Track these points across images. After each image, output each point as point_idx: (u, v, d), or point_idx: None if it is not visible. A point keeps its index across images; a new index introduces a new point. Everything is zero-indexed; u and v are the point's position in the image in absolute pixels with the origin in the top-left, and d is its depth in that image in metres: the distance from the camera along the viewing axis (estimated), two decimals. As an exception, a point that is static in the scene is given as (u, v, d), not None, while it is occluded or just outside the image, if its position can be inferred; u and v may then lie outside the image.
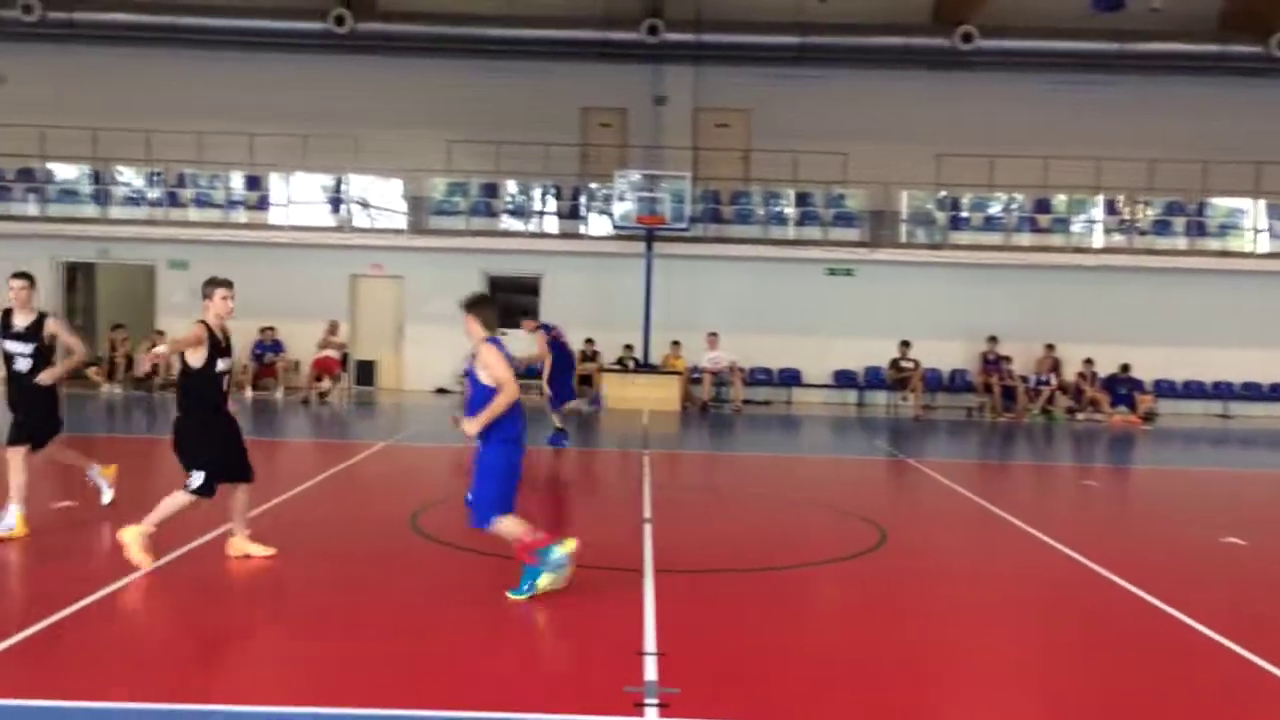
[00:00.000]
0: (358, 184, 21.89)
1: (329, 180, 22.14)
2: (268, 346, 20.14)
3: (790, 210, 22.19)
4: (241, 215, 21.77)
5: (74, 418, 16.68)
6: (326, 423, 17.25)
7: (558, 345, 13.66)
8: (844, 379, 21.73)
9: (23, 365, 8.06)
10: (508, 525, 6.59)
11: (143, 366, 9.93)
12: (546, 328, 13.77)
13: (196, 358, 7.11)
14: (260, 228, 21.34)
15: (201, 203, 21.80)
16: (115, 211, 21.57)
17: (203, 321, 7.23)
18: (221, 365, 7.24)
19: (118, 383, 19.72)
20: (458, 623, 6.31)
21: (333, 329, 20.22)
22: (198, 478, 7.05)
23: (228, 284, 7.29)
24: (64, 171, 22.09)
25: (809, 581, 7.66)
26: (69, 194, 21.87)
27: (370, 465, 12.54)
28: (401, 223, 21.94)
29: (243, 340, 20.29)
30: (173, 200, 21.62)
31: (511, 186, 22.43)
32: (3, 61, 22.27)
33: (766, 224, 22.07)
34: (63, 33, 21.67)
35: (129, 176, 22.22)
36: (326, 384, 19.72)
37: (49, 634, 5.73)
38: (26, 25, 21.26)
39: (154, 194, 21.79)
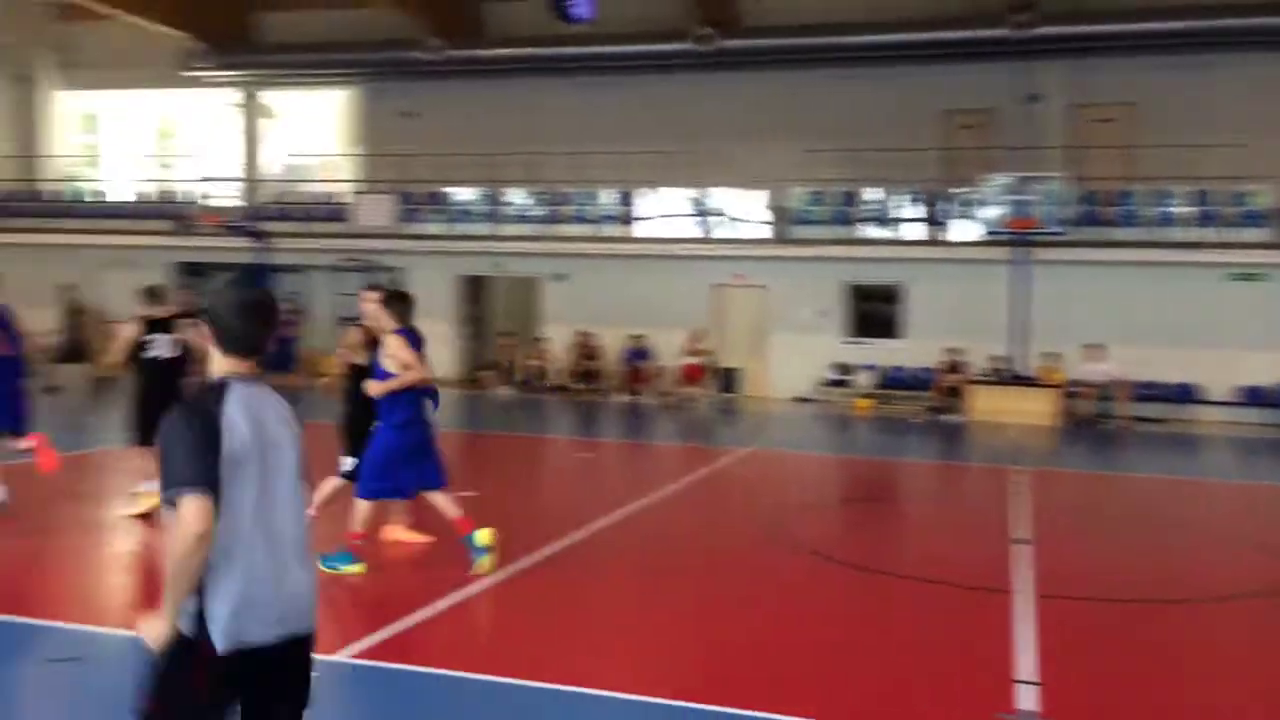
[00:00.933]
0: (720, 196, 22.53)
1: (693, 193, 22.95)
2: (637, 353, 21.22)
3: (1183, 210, 20.21)
4: (613, 229, 23.06)
5: (469, 417, 18.47)
6: (691, 428, 17.89)
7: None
8: (1255, 396, 19.42)
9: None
10: (362, 509, 7.25)
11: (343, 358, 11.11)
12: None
13: (361, 359, 7.88)
14: (629, 241, 22.51)
15: (579, 218, 23.34)
16: (506, 229, 23.58)
17: (363, 325, 8.01)
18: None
19: (506, 385, 21.52)
20: (816, 634, 6.33)
21: (697, 336, 20.94)
22: (348, 463, 7.81)
23: (371, 286, 8.14)
24: (463, 194, 24.45)
25: (1209, 619, 6.96)
26: (467, 214, 24.16)
27: (733, 470, 12.85)
28: (764, 233, 22.32)
29: (614, 346, 21.54)
30: (554, 217, 23.32)
31: (872, 193, 22.16)
32: (415, 98, 25.05)
33: (1154, 225, 20.24)
34: (464, 69, 24.02)
35: (517, 197, 24.21)
36: (692, 390, 20.46)
37: (452, 611, 6.36)
38: (435, 64, 23.79)
39: (538, 212, 23.62)
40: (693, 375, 20.59)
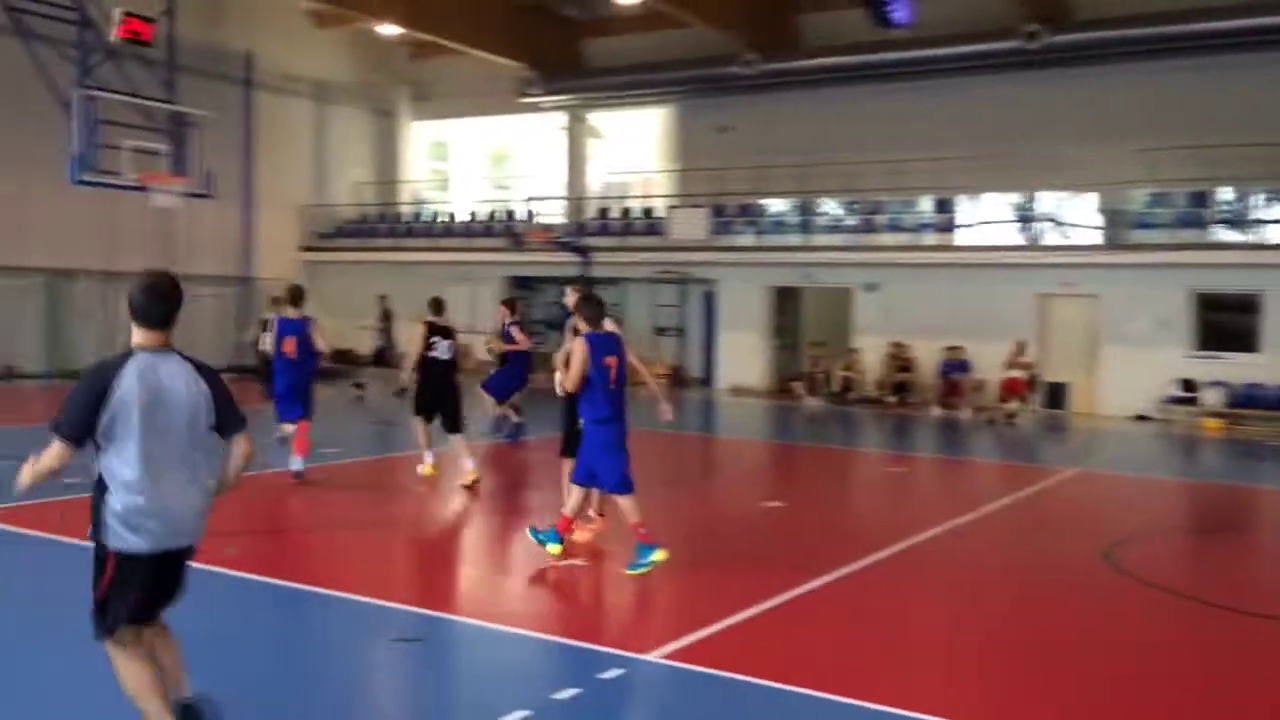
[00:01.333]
0: (1047, 200, 21.26)
1: (1018, 198, 21.82)
2: (954, 365, 20.40)
3: None
4: (930, 238, 22.34)
5: (779, 428, 18.49)
6: (1012, 444, 16.97)
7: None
8: None
9: None
10: (573, 494, 7.60)
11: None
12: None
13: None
14: (948, 249, 21.71)
15: (893, 227, 22.79)
16: (818, 239, 23.44)
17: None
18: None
19: (816, 396, 21.35)
20: (1158, 680, 5.78)
21: (1020, 349, 19.84)
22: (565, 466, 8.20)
23: (570, 281, 8.15)
24: (776, 205, 24.56)
25: None
26: (779, 225, 24.25)
27: (1059, 491, 12.06)
28: (1095, 238, 20.83)
29: (929, 359, 20.84)
30: (867, 226, 22.90)
31: (1225, 194, 20.08)
32: (728, 112, 25.49)
33: None
34: (776, 81, 24.17)
35: (830, 206, 24.01)
36: (1013, 405, 19.42)
37: (769, 616, 6.36)
38: (748, 78, 24.10)
39: (851, 221, 23.29)
40: (1014, 389, 19.52)
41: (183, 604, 4.24)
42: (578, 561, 7.74)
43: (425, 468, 10.88)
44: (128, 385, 3.88)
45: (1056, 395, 20.52)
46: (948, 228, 22.07)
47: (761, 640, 6.16)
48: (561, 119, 28.27)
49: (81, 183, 16.32)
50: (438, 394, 10.68)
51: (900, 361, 21.07)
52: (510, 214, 27.39)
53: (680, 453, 15.51)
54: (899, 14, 15.84)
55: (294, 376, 10.73)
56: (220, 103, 23.25)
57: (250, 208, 26.63)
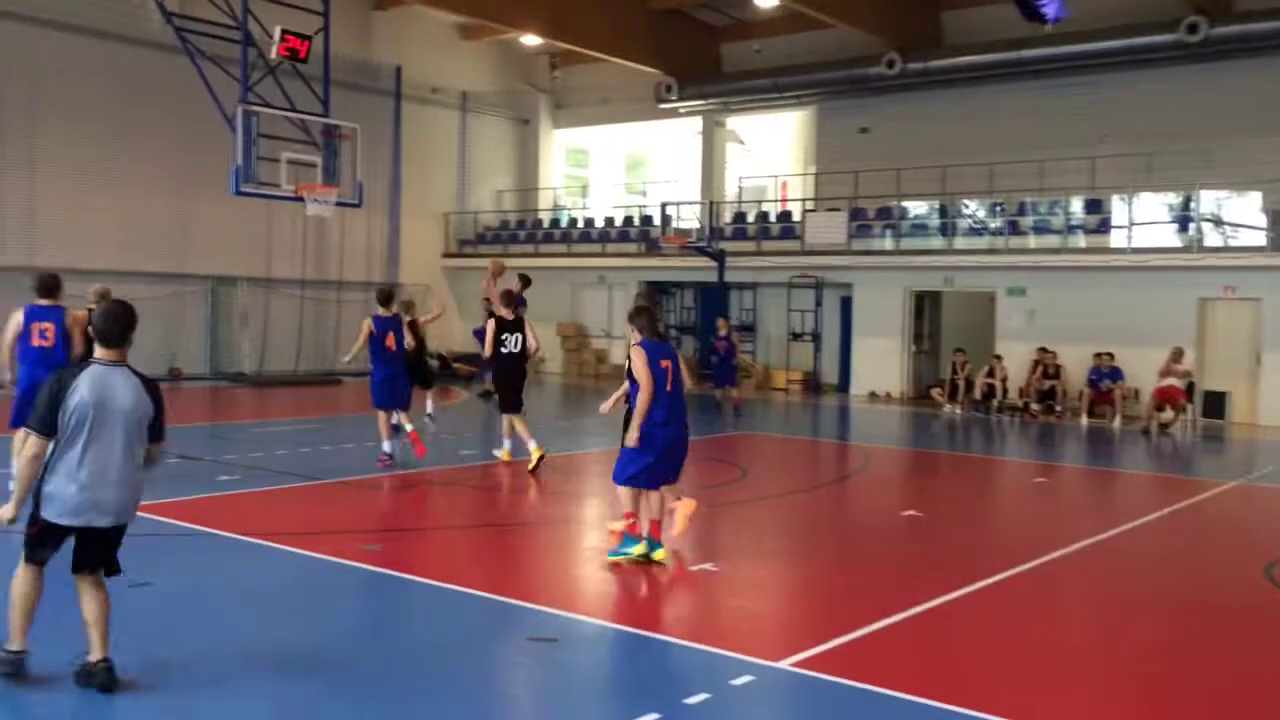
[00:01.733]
0: (1207, 200, 20.23)
1: (1175, 198, 20.85)
2: (1104, 373, 19.59)
3: None
4: (1080, 240, 21.53)
5: (919, 435, 18.13)
6: (1167, 456, 16.21)
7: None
8: None
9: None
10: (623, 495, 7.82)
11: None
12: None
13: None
14: (1100, 251, 20.87)
15: (1040, 229, 22.04)
16: (959, 242, 22.86)
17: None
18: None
19: (958, 404, 20.82)
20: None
21: (1176, 356, 18.92)
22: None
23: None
24: (916, 208, 24.07)
25: None
26: (919, 228, 23.74)
27: (1216, 506, 11.47)
28: (1259, 239, 19.72)
29: (1078, 366, 20.08)
30: (1013, 229, 22.21)
31: None
32: (867, 114, 25.12)
33: None
34: (917, 81, 23.71)
35: (973, 208, 23.40)
36: (1168, 414, 18.54)
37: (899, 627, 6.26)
38: (889, 79, 23.72)
39: (995, 224, 22.63)
40: (1170, 398, 18.63)
41: (330, 599, 4.43)
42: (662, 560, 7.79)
43: (532, 456, 11.52)
44: (82, 391, 4.86)
45: (1215, 404, 19.51)
46: (1100, 229, 21.24)
47: (895, 651, 6.06)
48: (698, 124, 28.37)
49: (241, 193, 17.16)
50: (513, 382, 11.63)
51: (1046, 368, 20.35)
52: (646, 219, 27.61)
53: (816, 459, 15.37)
54: (1051, 9, 15.30)
55: (391, 368, 11.86)
56: (370, 115, 24.16)
57: (397, 216, 27.56)
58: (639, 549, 7.72)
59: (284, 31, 17.10)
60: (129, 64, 21.94)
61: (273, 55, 17.23)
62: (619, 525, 8.18)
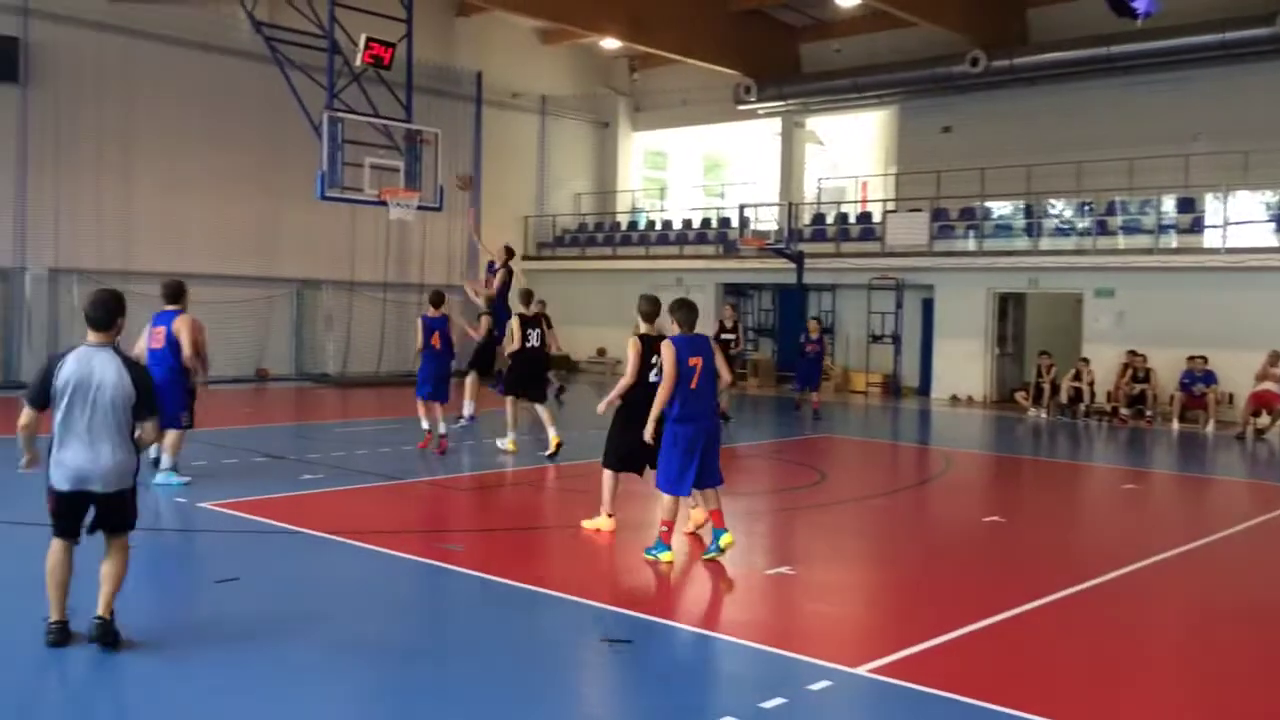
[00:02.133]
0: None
1: (1273, 197, 20.12)
2: (1197, 377, 18.98)
3: None
4: (1172, 240, 20.90)
5: (1002, 439, 17.78)
6: (1262, 462, 15.65)
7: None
8: None
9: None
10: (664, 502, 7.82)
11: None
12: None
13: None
14: (1193, 252, 20.24)
15: (1129, 229, 21.46)
16: (1045, 243, 22.36)
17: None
18: (652, 375, 8.21)
19: (1043, 408, 20.35)
20: None
21: (1273, 360, 18.24)
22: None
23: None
24: (1000, 208, 23.61)
25: None
26: (1003, 228, 23.28)
27: (1317, 516, 11.04)
28: (1364, 239, 18.93)
29: (1169, 369, 19.50)
30: (1101, 229, 21.65)
31: None
32: (950, 113, 24.73)
33: None
34: (1002, 79, 23.26)
35: (1059, 208, 22.87)
36: (1264, 420, 17.89)
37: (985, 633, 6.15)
38: (972, 77, 23.31)
39: (1083, 223, 22.08)
40: (1266, 403, 17.98)
41: (412, 597, 4.48)
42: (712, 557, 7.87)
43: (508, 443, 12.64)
44: (68, 370, 5.45)
45: (1316, 410, 18.76)
46: (1193, 229, 20.60)
47: (975, 659, 5.95)
48: (777, 125, 28.21)
49: (326, 198, 17.53)
50: (535, 374, 12.60)
51: (1136, 372, 19.80)
52: (724, 221, 27.54)
53: (896, 463, 15.16)
54: (1141, 4, 14.87)
55: (438, 365, 12.79)
56: (451, 119, 24.50)
57: (477, 219, 27.86)
58: (668, 556, 7.83)
59: (369, 39, 17.45)
60: (220, 74, 22.55)
61: (357, 62, 17.60)
62: (593, 524, 8.70)
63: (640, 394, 8.13)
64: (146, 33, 21.67)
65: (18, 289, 20.49)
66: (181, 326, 9.77)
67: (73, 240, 21.02)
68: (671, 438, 7.79)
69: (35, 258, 20.62)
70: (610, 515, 8.74)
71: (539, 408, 12.74)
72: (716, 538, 7.81)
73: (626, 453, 8.49)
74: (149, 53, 21.77)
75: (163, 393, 6.86)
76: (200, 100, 22.45)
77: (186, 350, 9.69)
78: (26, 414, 5.50)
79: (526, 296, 12.96)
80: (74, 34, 20.79)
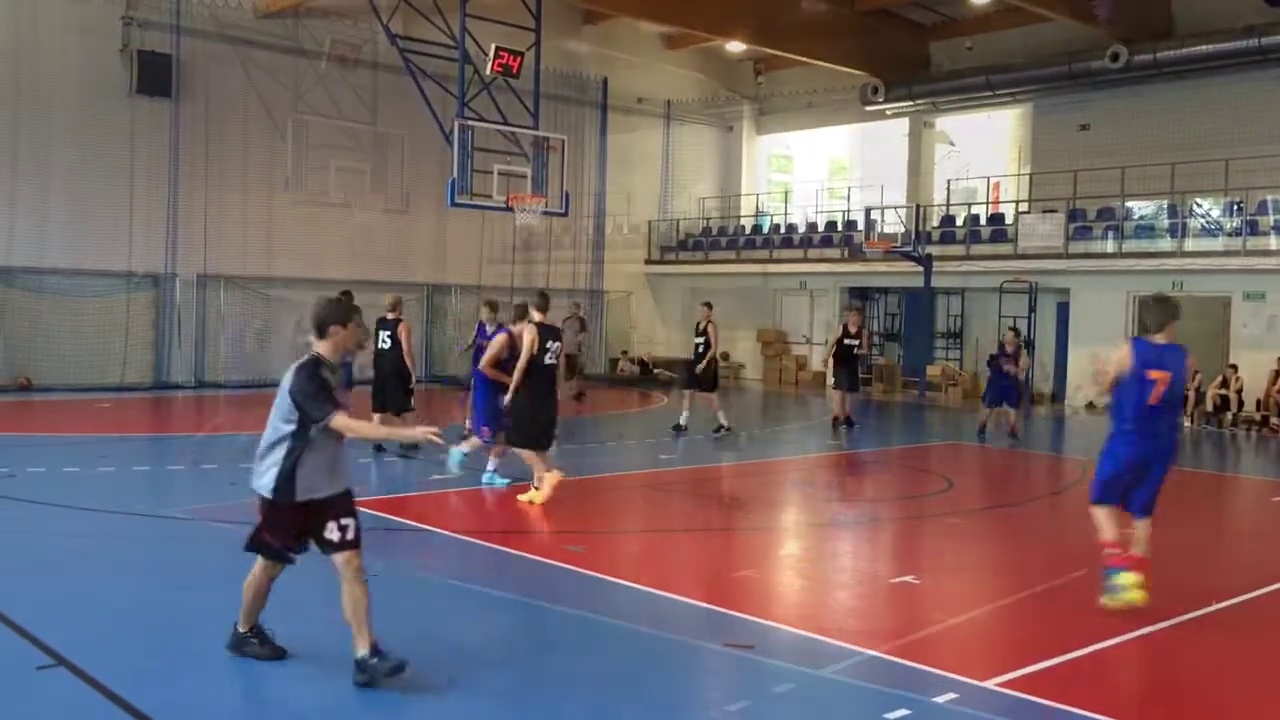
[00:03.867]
0: None
1: None
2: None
3: None
4: (1329, 240, 19.74)
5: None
6: None
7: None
8: None
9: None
10: (1099, 515, 7.05)
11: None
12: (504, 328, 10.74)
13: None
14: (1353, 252, 19.10)
15: (1283, 229, 20.34)
16: (1190, 244, 21.37)
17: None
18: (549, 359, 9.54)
19: (1188, 416, 19.43)
20: None
21: None
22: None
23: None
24: (1141, 208, 22.66)
25: None
26: (1145, 229, 22.34)
27: None
28: None
29: (1326, 377, 18.40)
30: (1251, 229, 20.59)
31: None
32: (1087, 109, 23.86)
33: None
34: (1144, 74, 22.34)
35: (1205, 208, 21.84)
36: None
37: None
38: (1112, 72, 22.45)
39: (1231, 224, 21.03)
40: None
41: (536, 597, 4.53)
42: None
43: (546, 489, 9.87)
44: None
45: None
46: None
47: (1110, 676, 5.74)
48: (905, 125, 27.70)
49: (456, 205, 17.97)
50: (548, 412, 10.06)
51: (1289, 379, 18.76)
52: (850, 224, 27.17)
53: (1028, 471, 14.72)
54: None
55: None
56: (577, 125, 24.83)
57: (601, 224, 28.18)
58: (1131, 584, 6.76)
59: (498, 48, 17.82)
60: (356, 86, 23.34)
61: (487, 72, 17.99)
62: (527, 496, 9.39)
63: (539, 376, 9.47)
64: (287, 48, 22.56)
65: (169, 294, 21.59)
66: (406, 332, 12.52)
67: (220, 248, 22.04)
68: (1112, 448, 7.16)
69: (185, 264, 21.70)
70: (537, 487, 9.58)
71: (535, 456, 9.94)
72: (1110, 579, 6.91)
73: (539, 432, 9.70)
74: (289, 66, 22.67)
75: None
76: (337, 111, 23.27)
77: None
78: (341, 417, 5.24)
79: (543, 300, 10.14)
80: (222, 49, 21.82)
